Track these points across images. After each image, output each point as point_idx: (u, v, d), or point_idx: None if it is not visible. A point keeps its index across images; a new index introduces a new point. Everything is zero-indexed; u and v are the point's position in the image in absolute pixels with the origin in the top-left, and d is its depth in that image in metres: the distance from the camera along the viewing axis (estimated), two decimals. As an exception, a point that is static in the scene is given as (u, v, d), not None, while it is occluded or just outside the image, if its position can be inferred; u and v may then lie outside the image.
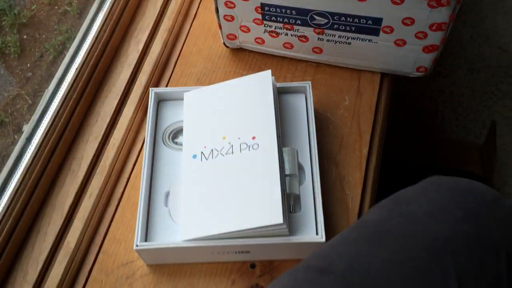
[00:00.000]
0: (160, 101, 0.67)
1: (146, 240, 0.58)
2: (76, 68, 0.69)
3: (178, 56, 0.75)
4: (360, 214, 0.61)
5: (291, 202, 0.58)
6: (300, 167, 0.60)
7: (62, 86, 0.68)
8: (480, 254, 0.48)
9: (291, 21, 0.65)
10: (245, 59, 0.73)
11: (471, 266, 0.48)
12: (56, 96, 0.67)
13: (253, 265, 0.59)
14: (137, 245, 0.56)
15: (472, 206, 0.51)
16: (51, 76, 0.99)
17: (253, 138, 0.58)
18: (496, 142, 1.11)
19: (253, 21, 0.67)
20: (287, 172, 0.58)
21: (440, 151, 1.16)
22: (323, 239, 0.55)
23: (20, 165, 0.63)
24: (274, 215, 0.53)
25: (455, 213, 0.50)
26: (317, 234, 0.56)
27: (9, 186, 0.62)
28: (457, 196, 0.52)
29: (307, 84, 0.64)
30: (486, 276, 0.48)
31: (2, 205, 0.60)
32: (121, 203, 0.64)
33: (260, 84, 0.61)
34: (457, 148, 1.16)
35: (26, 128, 0.64)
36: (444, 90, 1.31)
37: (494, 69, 1.33)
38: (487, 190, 0.54)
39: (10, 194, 0.61)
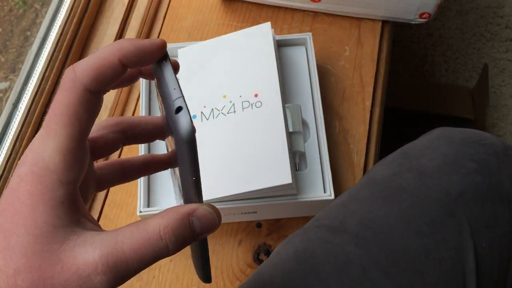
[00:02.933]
0: (152, 58, 0.63)
1: (148, 205, 0.56)
2: (59, 26, 0.64)
3: (167, 9, 0.70)
4: (365, 168, 0.60)
5: (296, 160, 0.57)
6: (304, 123, 0.59)
7: (46, 46, 0.64)
8: (492, 205, 0.48)
9: (287, -32, 0.61)
10: (238, 11, 0.70)
11: (484, 218, 0.48)
12: (41, 57, 0.63)
13: (259, 224, 0.59)
14: (140, 211, 0.54)
15: (483, 157, 0.50)
16: (23, 30, 0.92)
17: (256, 95, 0.56)
18: (488, 85, 1.10)
19: (247, -32, 0.63)
20: (291, 130, 0.57)
21: (430, 97, 1.15)
22: (332, 197, 0.54)
23: (8, 133, 0.59)
24: (282, 175, 0.52)
25: (466, 165, 0.50)
26: (324, 191, 0.55)
27: (-2, 156, 0.59)
28: (468, 147, 0.51)
29: (308, 36, 0.61)
30: (498, 226, 0.48)
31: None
32: (118, 168, 0.62)
33: (259, 38, 0.58)
34: (447, 92, 1.15)
35: (12, 94, 0.60)
36: (433, 33, 1.29)
37: (483, 9, 1.31)
38: (496, 141, 0.53)
39: (1, 165, 0.58)
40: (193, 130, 0.27)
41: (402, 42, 1.28)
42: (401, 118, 1.09)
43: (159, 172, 0.58)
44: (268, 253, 0.57)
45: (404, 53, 1.27)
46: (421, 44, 1.28)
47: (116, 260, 0.26)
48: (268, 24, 0.59)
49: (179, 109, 0.28)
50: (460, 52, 1.26)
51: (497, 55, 1.25)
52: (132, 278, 0.56)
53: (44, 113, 0.62)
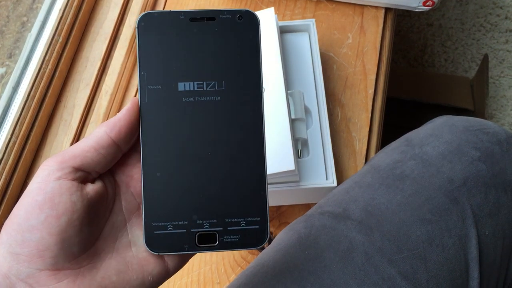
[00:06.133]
0: (154, 43, 0.63)
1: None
2: (60, 9, 0.63)
3: (168, -6, 0.70)
4: (367, 156, 0.60)
5: (299, 147, 0.56)
6: (307, 111, 0.58)
7: (46, 29, 0.63)
8: (496, 193, 0.48)
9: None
10: (240, -4, 0.69)
11: (487, 206, 0.48)
12: (40, 41, 0.62)
13: (260, 212, 0.58)
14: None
15: (487, 146, 0.50)
16: (20, 16, 0.91)
17: (259, 81, 0.55)
18: (488, 76, 1.10)
19: (250, -47, 0.62)
20: (293, 116, 0.56)
21: (429, 87, 1.15)
22: (334, 184, 0.54)
23: (8, 117, 0.59)
24: (285, 162, 0.51)
25: (470, 153, 0.50)
26: (327, 179, 0.55)
27: (-2, 139, 0.58)
28: (471, 135, 0.51)
29: (311, 22, 0.61)
30: (501, 214, 0.48)
31: (-6, 160, 0.57)
32: (119, 153, 0.61)
33: (263, 24, 0.57)
34: (447, 83, 1.15)
35: (11, 78, 0.60)
36: (433, 23, 1.28)
37: (483, 0, 1.31)
38: (499, 129, 0.53)
39: (1, 148, 0.57)
40: None
41: (401, 32, 1.28)
42: (400, 108, 1.09)
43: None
44: (269, 240, 0.57)
45: (404, 43, 1.27)
46: (420, 34, 1.27)
47: None
48: (271, 10, 0.58)
49: None
50: (459, 43, 1.26)
51: (496, 45, 1.25)
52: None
53: (44, 97, 0.61)
